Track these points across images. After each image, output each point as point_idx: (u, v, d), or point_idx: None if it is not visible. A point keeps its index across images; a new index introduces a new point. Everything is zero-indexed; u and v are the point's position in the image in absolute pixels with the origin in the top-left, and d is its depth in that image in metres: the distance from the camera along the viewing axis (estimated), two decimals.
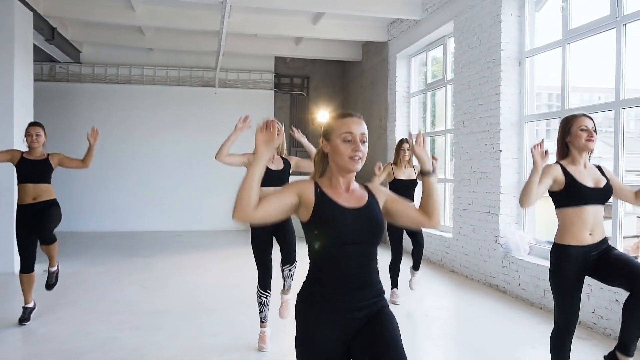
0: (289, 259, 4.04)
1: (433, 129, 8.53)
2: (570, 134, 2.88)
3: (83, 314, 4.87)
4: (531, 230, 5.88)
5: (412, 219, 2.01)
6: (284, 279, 4.13)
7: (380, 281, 1.94)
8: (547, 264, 5.08)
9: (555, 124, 9.23)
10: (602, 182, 2.86)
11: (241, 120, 3.89)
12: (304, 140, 4.23)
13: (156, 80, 11.04)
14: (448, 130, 7.59)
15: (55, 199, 4.55)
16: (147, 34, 9.56)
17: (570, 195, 2.82)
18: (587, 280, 4.41)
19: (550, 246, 2.99)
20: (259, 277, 3.96)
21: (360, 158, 1.87)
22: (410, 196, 5.23)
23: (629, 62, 4.45)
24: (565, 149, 2.94)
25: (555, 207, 2.93)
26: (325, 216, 1.83)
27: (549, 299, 4.97)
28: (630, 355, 2.75)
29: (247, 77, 11.48)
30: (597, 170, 2.93)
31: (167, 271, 6.89)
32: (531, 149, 2.83)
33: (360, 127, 1.90)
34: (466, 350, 4.14)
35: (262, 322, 4.00)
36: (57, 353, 3.87)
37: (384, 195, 2.02)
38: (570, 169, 2.86)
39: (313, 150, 4.11)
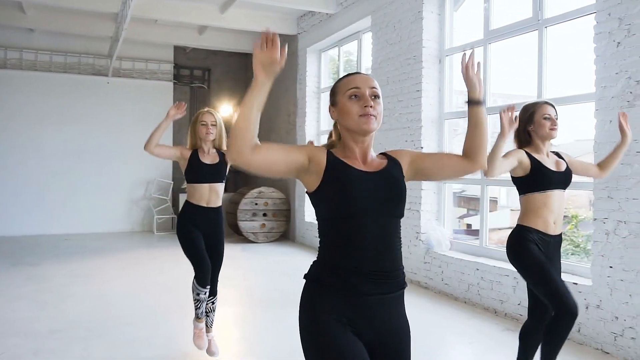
0: (211, 289, 3.63)
1: None
2: (533, 122, 2.87)
3: None
4: (450, 226, 6.02)
5: (452, 166, 1.75)
6: (207, 314, 3.67)
7: (402, 267, 1.66)
8: (471, 259, 5.26)
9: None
10: (563, 166, 2.90)
11: (173, 107, 3.49)
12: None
13: (38, 65, 9.77)
14: None
15: None
16: (29, 12, 8.38)
17: (536, 179, 2.81)
18: (514, 272, 4.58)
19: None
20: (195, 272, 3.54)
21: (373, 115, 1.60)
22: None
23: (550, 64, 4.65)
24: (526, 138, 2.92)
25: (520, 193, 2.92)
26: (338, 180, 1.57)
27: (473, 293, 5.10)
28: None
29: (144, 67, 10.61)
30: (556, 157, 2.95)
31: (61, 281, 6.07)
32: (500, 112, 2.73)
33: (368, 81, 1.65)
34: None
35: (197, 317, 3.62)
36: None
37: (408, 156, 1.76)
38: (537, 157, 2.85)
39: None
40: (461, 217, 9.93)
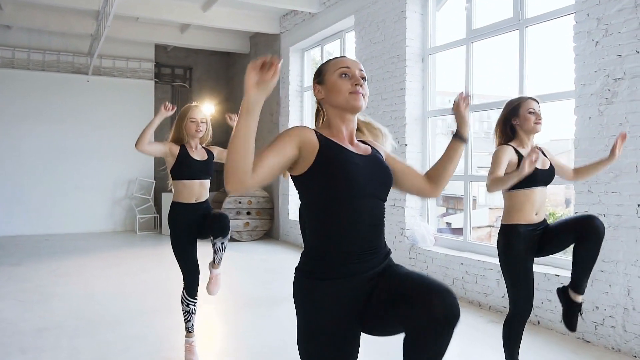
0: (222, 229, 3.43)
1: None
2: (519, 116, 2.92)
3: None
4: (434, 222, 6.12)
5: (414, 183, 1.80)
6: (215, 252, 3.59)
7: (386, 243, 1.71)
8: (455, 253, 5.36)
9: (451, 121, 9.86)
10: (547, 164, 2.96)
11: (165, 105, 3.47)
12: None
13: (15, 63, 9.60)
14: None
15: None
16: (5, 8, 8.22)
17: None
18: (497, 266, 4.69)
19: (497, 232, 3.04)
20: (184, 282, 3.51)
21: (362, 94, 1.64)
22: None
23: (531, 63, 4.77)
24: (510, 132, 2.97)
25: (505, 190, 2.95)
26: (334, 160, 1.55)
27: (458, 287, 5.20)
28: (581, 292, 2.90)
29: (125, 65, 10.51)
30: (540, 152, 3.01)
31: (44, 281, 6.00)
32: (524, 160, 2.64)
33: (357, 64, 1.69)
34: (384, 342, 4.12)
35: (188, 331, 3.58)
36: None
37: (383, 152, 1.81)
38: (521, 151, 2.91)
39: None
40: (442, 216, 10.06)
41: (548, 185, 3.03)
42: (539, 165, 2.92)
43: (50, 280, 6.03)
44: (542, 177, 2.92)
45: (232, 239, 9.04)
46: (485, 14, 5.35)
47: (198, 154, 3.55)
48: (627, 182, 3.74)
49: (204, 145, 3.63)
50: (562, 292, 3.01)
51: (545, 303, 4.29)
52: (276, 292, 5.48)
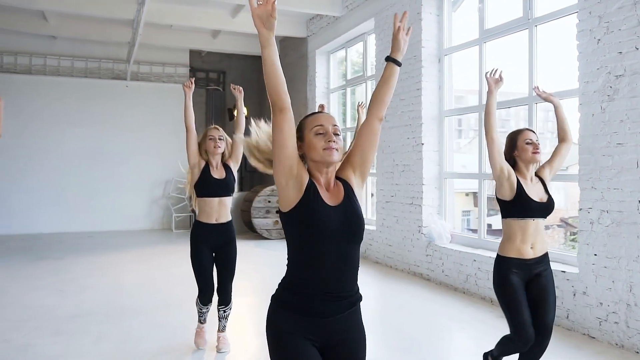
0: (224, 298, 3.79)
1: (354, 124, 8.70)
2: (517, 148, 2.97)
3: None
4: (451, 220, 6.20)
5: (365, 133, 1.92)
6: (219, 319, 3.86)
7: (358, 289, 1.88)
8: (469, 250, 5.44)
9: (470, 119, 9.76)
10: (545, 197, 2.98)
11: (185, 84, 3.78)
12: (240, 101, 3.93)
13: (61, 71, 10.26)
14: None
15: None
16: (51, 20, 8.84)
17: (517, 206, 2.91)
18: None
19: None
20: (200, 291, 3.77)
21: (335, 149, 1.81)
22: None
23: (540, 61, 4.82)
24: (512, 165, 3.01)
25: (502, 216, 3.02)
26: (310, 208, 1.76)
27: (472, 283, 5.29)
28: None
29: (161, 71, 11.02)
30: (539, 183, 3.03)
31: (82, 273, 6.45)
32: (486, 74, 2.99)
33: (330, 120, 1.86)
34: (398, 335, 4.28)
35: (200, 322, 3.89)
36: None
37: (349, 166, 1.94)
38: (522, 181, 2.95)
39: (242, 124, 3.79)
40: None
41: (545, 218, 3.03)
42: (535, 197, 2.94)
43: (87, 273, 6.47)
44: (538, 208, 2.94)
45: (261, 237, 9.34)
46: (497, 14, 5.41)
47: (218, 173, 3.75)
48: (629, 178, 3.77)
49: (227, 162, 3.83)
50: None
51: None
52: None
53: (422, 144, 6.14)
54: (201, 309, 3.83)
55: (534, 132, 3.05)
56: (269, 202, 9.44)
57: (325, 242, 1.76)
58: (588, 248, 4.07)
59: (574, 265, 4.30)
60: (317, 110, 1.95)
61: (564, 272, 4.26)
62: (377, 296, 5.68)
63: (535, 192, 2.97)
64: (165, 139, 10.62)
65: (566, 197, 8.79)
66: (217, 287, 3.79)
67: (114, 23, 9.07)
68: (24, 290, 5.58)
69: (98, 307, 4.92)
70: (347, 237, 1.80)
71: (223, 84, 11.92)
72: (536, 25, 4.81)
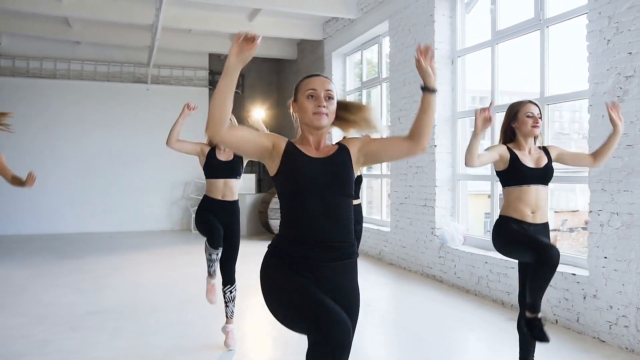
0: (228, 276, 3.89)
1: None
2: (517, 119, 3.01)
3: (14, 317, 4.60)
4: (464, 222, 6.19)
5: (397, 147, 1.96)
6: (226, 304, 3.94)
7: (353, 244, 1.92)
8: (481, 252, 5.43)
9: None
10: (543, 163, 3.01)
11: (188, 105, 3.87)
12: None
13: (84, 75, 10.54)
14: (384, 127, 7.80)
15: None
16: (74, 26, 9.11)
17: (512, 174, 2.98)
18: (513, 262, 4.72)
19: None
20: (208, 237, 3.88)
21: (325, 114, 1.88)
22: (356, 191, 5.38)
23: (551, 62, 4.79)
24: (511, 135, 3.08)
25: (502, 185, 3.09)
26: (291, 164, 1.86)
27: (483, 285, 5.27)
28: (538, 311, 2.88)
29: (181, 74, 11.23)
30: (542, 152, 3.06)
31: (102, 272, 6.63)
32: (475, 111, 2.89)
33: (324, 84, 1.91)
34: (407, 336, 4.30)
35: (209, 275, 4.00)
36: None
37: (358, 142, 2.00)
38: (517, 153, 3.00)
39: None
40: None
41: (548, 185, 3.08)
42: (531, 164, 3.00)
43: (106, 272, 6.64)
44: (534, 175, 2.97)
45: None
46: (509, 15, 5.40)
47: (224, 155, 3.92)
48: (639, 180, 3.73)
49: None
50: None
51: (563, 302, 4.31)
52: None
53: (435, 145, 6.14)
54: (210, 255, 3.92)
55: (536, 105, 3.04)
56: None
57: (311, 191, 1.84)
58: (598, 251, 4.03)
59: (584, 268, 4.26)
60: (315, 73, 1.98)
61: (574, 274, 4.23)
62: (389, 297, 5.71)
63: (531, 161, 3.01)
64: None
65: None
66: (221, 264, 3.92)
67: (134, 28, 9.28)
68: (45, 288, 5.76)
69: (114, 304, 5.06)
70: (332, 187, 1.87)
71: (242, 86, 12.06)
72: (547, 26, 4.78)
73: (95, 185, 10.54)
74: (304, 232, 1.85)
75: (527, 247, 2.89)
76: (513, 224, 2.98)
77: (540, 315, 2.87)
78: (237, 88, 8.08)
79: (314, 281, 1.84)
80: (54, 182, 10.30)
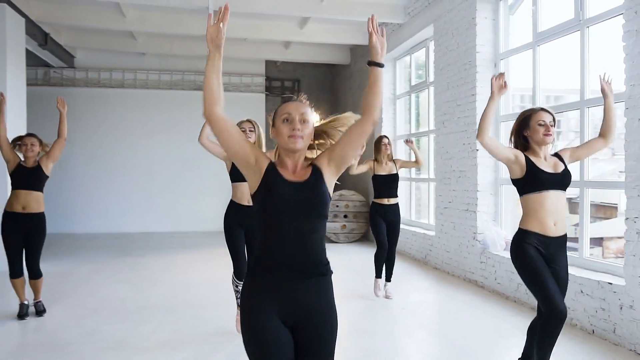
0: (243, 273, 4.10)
1: (418, 130, 8.72)
2: (529, 127, 2.98)
3: (72, 309, 5.05)
4: (508, 227, 6.07)
5: (353, 132, 1.98)
6: (236, 297, 4.19)
7: (327, 262, 1.98)
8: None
9: (570, 120, 9.37)
10: (560, 168, 2.96)
11: None
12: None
13: (149, 84, 11.24)
14: (431, 131, 7.77)
15: (43, 212, 4.70)
16: (139, 39, 9.76)
17: (531, 181, 2.92)
18: None
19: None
20: (234, 267, 4.15)
21: (299, 137, 1.92)
22: (391, 190, 5.46)
23: (592, 63, 4.64)
24: (524, 142, 3.04)
25: (519, 195, 3.03)
26: (269, 186, 1.90)
27: (522, 292, 5.17)
28: None
29: (239, 81, 11.68)
30: (556, 159, 3.03)
31: (158, 269, 7.08)
32: (491, 78, 2.93)
33: (299, 109, 1.96)
34: (444, 341, 4.33)
35: (239, 306, 4.21)
36: (45, 344, 4.05)
37: (326, 155, 2.02)
38: (533, 159, 2.97)
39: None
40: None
41: (566, 191, 3.04)
42: (549, 170, 2.97)
43: (162, 269, 7.08)
44: (553, 180, 2.92)
45: (329, 240, 9.59)
46: (549, 16, 5.26)
47: None
48: None
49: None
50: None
51: (599, 312, 4.17)
52: (353, 289, 5.88)
53: (477, 149, 6.07)
54: (237, 286, 4.14)
55: (550, 113, 3.00)
56: (337, 206, 9.67)
57: (285, 215, 1.88)
58: (635, 260, 3.88)
59: (620, 277, 4.11)
60: (291, 98, 2.08)
61: (610, 283, 4.08)
62: (429, 302, 5.70)
63: (548, 167, 2.97)
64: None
65: None
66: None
67: (193, 39, 9.80)
68: (104, 282, 6.25)
69: (162, 300, 5.42)
70: (305, 211, 1.90)
71: (297, 91, 12.34)
72: (587, 27, 4.64)
73: (159, 188, 11.21)
74: (277, 254, 1.91)
75: (538, 294, 2.88)
76: (532, 245, 2.91)
77: None
78: (292, 94, 8.66)
79: (286, 302, 1.90)
80: (122, 185, 11.06)
